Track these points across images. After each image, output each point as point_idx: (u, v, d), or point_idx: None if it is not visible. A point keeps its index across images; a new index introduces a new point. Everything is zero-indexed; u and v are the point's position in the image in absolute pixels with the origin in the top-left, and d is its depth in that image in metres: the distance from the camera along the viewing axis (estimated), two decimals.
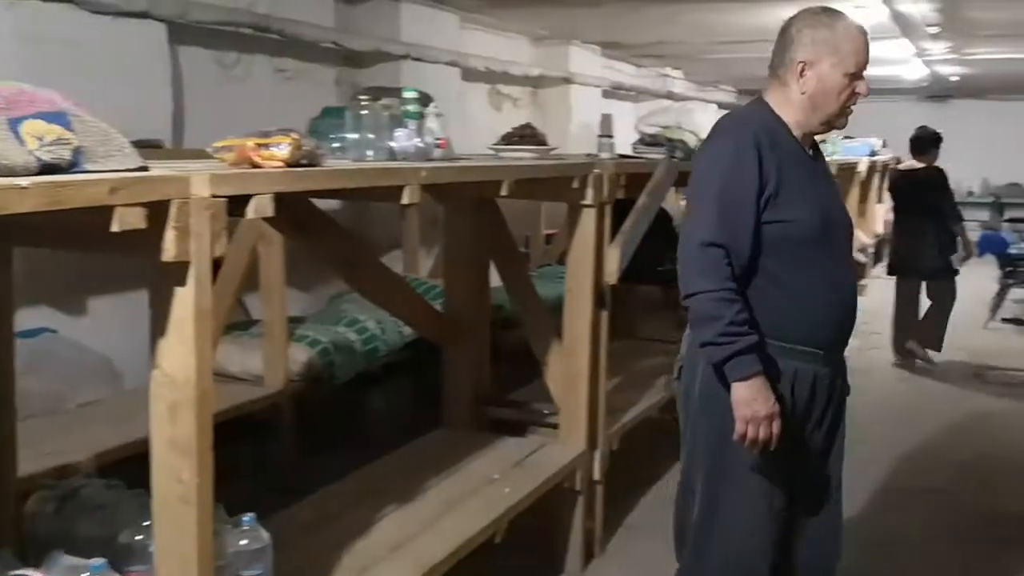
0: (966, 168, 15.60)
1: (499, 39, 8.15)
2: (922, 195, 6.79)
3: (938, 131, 7.15)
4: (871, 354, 7.29)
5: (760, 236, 2.28)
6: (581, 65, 9.02)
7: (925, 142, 7.11)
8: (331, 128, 2.62)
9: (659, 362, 4.77)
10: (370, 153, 2.56)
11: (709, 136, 2.48)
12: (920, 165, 7.01)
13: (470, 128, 6.37)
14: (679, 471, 2.62)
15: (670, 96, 11.69)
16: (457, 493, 3.06)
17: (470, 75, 7.43)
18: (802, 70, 2.36)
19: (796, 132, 2.41)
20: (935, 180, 6.81)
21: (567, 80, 8.82)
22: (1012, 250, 8.70)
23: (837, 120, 2.46)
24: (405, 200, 2.40)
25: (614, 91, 10.14)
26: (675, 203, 9.08)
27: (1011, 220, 13.77)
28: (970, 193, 15.91)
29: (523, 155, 3.38)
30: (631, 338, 5.23)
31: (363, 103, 2.62)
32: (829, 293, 2.38)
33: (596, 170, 3.42)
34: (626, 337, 5.12)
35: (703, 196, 2.32)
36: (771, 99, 2.45)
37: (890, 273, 7.31)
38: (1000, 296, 8.53)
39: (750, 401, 2.22)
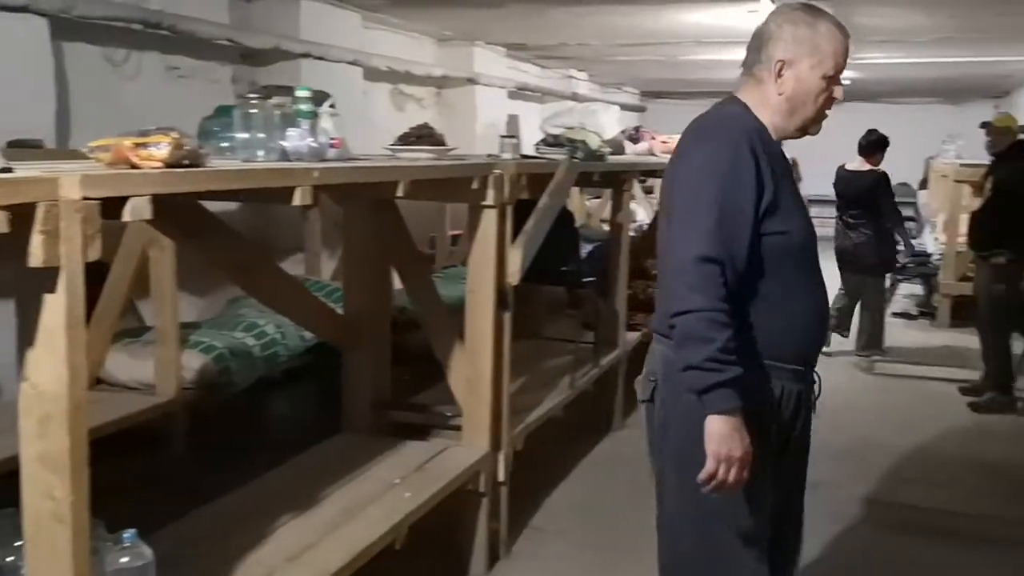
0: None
1: (402, 39, 8.10)
2: (868, 195, 7.15)
3: (885, 135, 7.60)
4: None
5: (755, 249, 2.11)
6: (486, 66, 9.03)
7: (874, 145, 7.49)
8: (221, 127, 2.53)
9: (564, 362, 4.80)
10: (261, 153, 2.48)
11: (691, 140, 2.26)
12: (866, 167, 7.35)
13: (373, 129, 6.30)
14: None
15: (575, 97, 11.81)
16: (357, 500, 3.00)
17: (373, 75, 7.35)
18: (780, 69, 2.19)
19: (774, 136, 2.25)
20: (880, 181, 7.17)
21: (472, 81, 8.81)
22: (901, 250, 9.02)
23: (812, 126, 2.28)
24: (297, 201, 2.34)
25: (520, 92, 10.18)
26: (580, 205, 9.18)
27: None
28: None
29: (420, 155, 3.34)
30: (535, 338, 5.24)
31: (252, 102, 2.54)
32: (813, 307, 2.27)
33: (496, 170, 3.41)
34: (530, 337, 5.14)
35: (695, 206, 2.08)
36: (747, 99, 2.27)
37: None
38: (890, 291, 8.86)
39: (727, 438, 2.01)
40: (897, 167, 14.48)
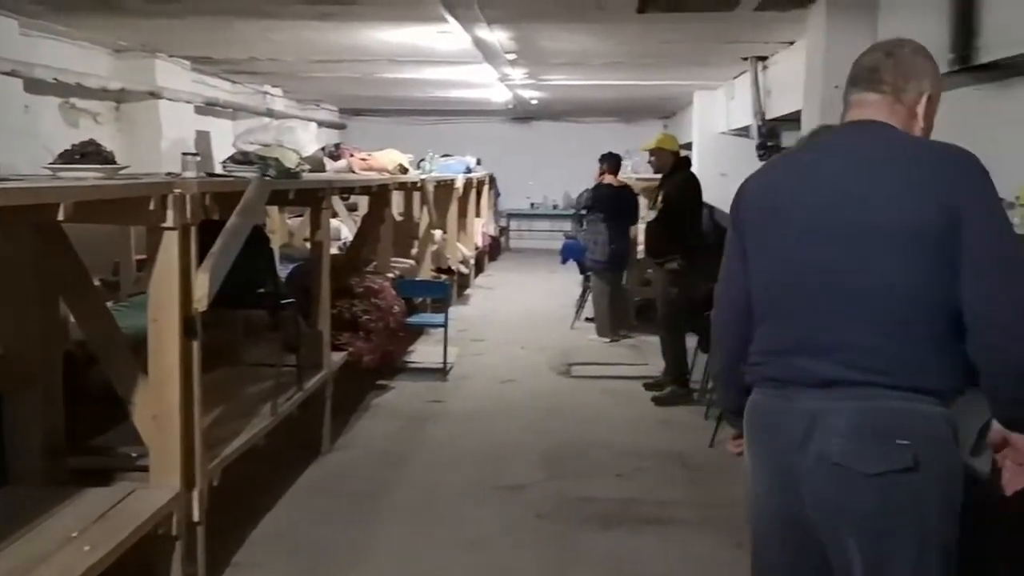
0: (552, 184, 17.26)
1: (71, 48, 7.42)
2: (618, 205, 8.45)
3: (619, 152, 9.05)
4: (474, 360, 7.70)
5: None
6: (169, 79, 8.51)
7: (618, 161, 8.84)
8: None
9: (265, 387, 4.61)
10: None
11: (980, 171, 1.93)
12: (616, 181, 8.70)
13: (41, 146, 5.70)
14: None
15: (270, 114, 11.48)
16: (25, 559, 2.67)
17: (37, 87, 6.67)
18: (927, 103, 2.05)
19: None
20: (628, 192, 8.63)
21: (154, 95, 8.26)
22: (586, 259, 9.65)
23: None
24: None
25: (209, 108, 9.72)
26: (280, 223, 8.89)
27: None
28: (555, 207, 17.60)
29: (85, 174, 3.05)
30: (234, 365, 5.00)
31: None
32: None
33: (177, 190, 3.19)
34: (228, 364, 4.89)
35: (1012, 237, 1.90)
36: (901, 127, 2.04)
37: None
38: (582, 298, 9.45)
39: None
40: (580, 181, 15.54)
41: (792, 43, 7.68)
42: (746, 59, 9.08)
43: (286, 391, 4.64)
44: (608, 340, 8.49)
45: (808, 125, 6.47)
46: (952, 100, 5.47)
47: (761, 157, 9.41)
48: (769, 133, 9.15)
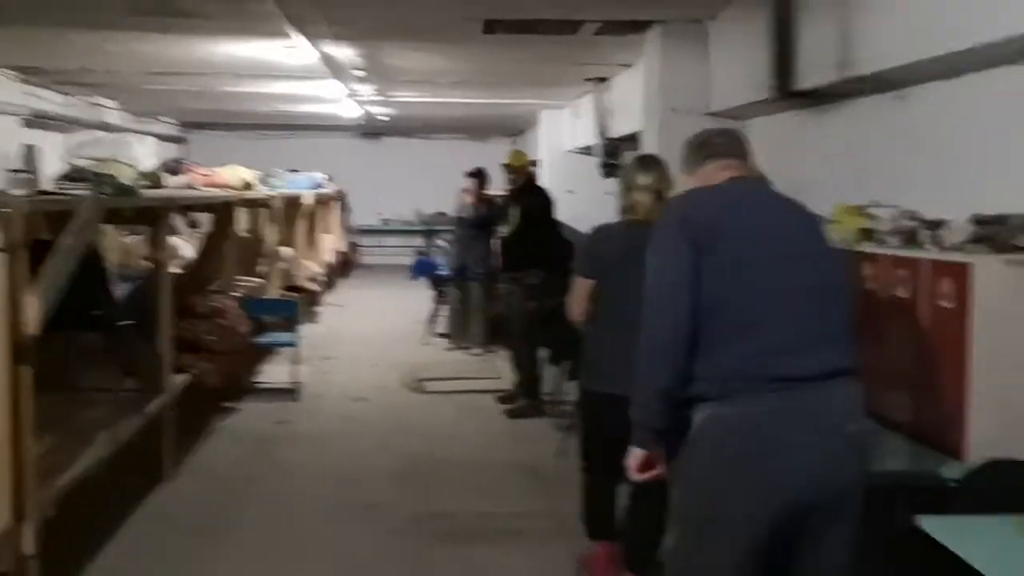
0: (403, 200, 17.23)
1: None
2: (495, 217, 8.32)
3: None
4: (325, 378, 7.61)
5: None
6: None
7: (487, 176, 8.76)
8: None
9: (102, 413, 4.41)
10: None
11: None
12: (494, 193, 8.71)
13: None
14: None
15: (105, 127, 10.99)
16: None
17: None
18: None
19: None
20: (498, 206, 8.29)
21: None
22: (440, 272, 9.73)
23: None
24: None
25: (39, 120, 9.22)
26: (116, 242, 8.51)
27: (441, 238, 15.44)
28: (407, 223, 17.58)
29: None
30: (68, 390, 4.75)
31: None
32: None
33: (5, 209, 3.03)
34: (62, 390, 4.65)
35: None
36: None
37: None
38: (434, 313, 9.49)
39: None
40: (430, 198, 15.61)
41: (631, 66, 8.02)
42: (589, 80, 9.42)
43: (124, 416, 4.46)
44: (482, 352, 8.58)
45: (647, 145, 6.78)
46: (774, 124, 5.89)
47: (604, 175, 9.77)
48: (611, 152, 9.51)
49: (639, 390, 2.37)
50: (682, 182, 2.71)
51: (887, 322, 3.46)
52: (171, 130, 15.14)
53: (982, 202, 3.38)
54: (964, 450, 2.96)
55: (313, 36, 6.72)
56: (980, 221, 3.27)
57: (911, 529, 2.35)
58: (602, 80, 9.34)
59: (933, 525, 2.13)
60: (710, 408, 2.28)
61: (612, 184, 10.15)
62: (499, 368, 7.65)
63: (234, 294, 7.06)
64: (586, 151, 10.66)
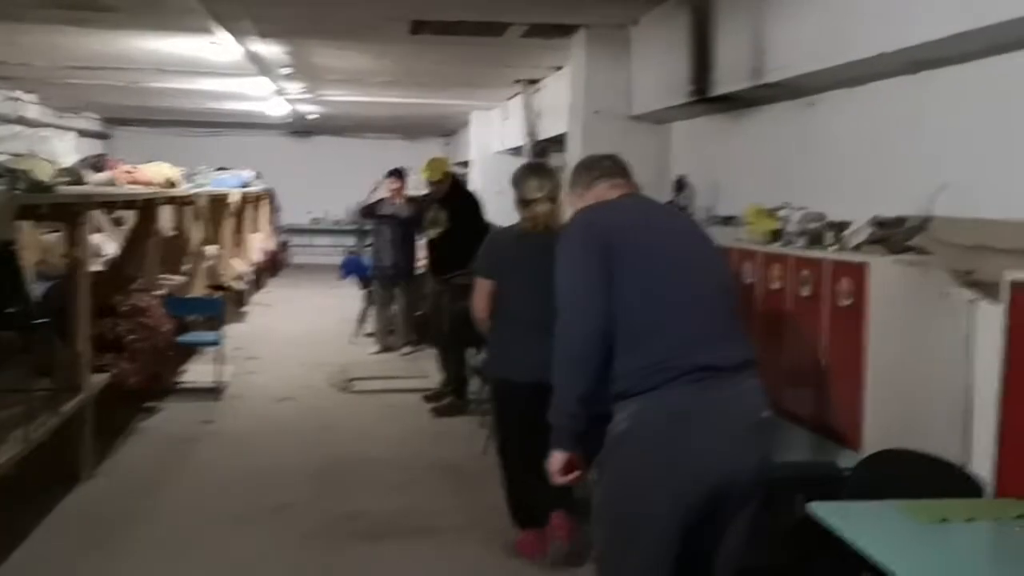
0: (333, 199, 17.09)
1: None
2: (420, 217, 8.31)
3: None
4: (249, 379, 7.54)
5: None
6: None
7: (407, 175, 8.85)
8: None
9: (14, 413, 4.32)
10: None
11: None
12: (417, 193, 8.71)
13: None
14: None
15: (22, 121, 10.70)
16: None
17: None
18: None
19: None
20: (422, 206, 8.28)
21: None
22: (370, 272, 9.69)
23: None
24: None
25: None
26: (34, 240, 8.30)
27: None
28: (337, 222, 17.45)
29: None
30: None
31: None
32: None
33: None
34: None
35: None
36: None
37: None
38: (363, 313, 9.47)
39: None
40: (361, 197, 15.43)
41: (560, 68, 8.12)
42: (518, 82, 9.50)
43: (38, 416, 4.38)
44: (410, 351, 8.59)
45: (572, 146, 6.89)
46: (693, 128, 6.05)
47: None
48: (540, 153, 9.61)
49: (558, 395, 2.45)
50: (574, 200, 2.83)
51: (792, 320, 3.61)
52: (94, 126, 14.80)
53: (883, 205, 3.55)
54: (860, 441, 3.11)
55: (238, 33, 6.66)
56: (879, 223, 3.43)
57: (807, 516, 2.46)
58: (532, 82, 9.43)
59: (822, 510, 2.24)
60: (636, 403, 2.37)
61: None
62: (426, 368, 7.68)
63: (157, 292, 6.97)
64: (516, 152, 10.75)
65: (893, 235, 3.27)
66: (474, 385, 6.62)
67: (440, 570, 3.97)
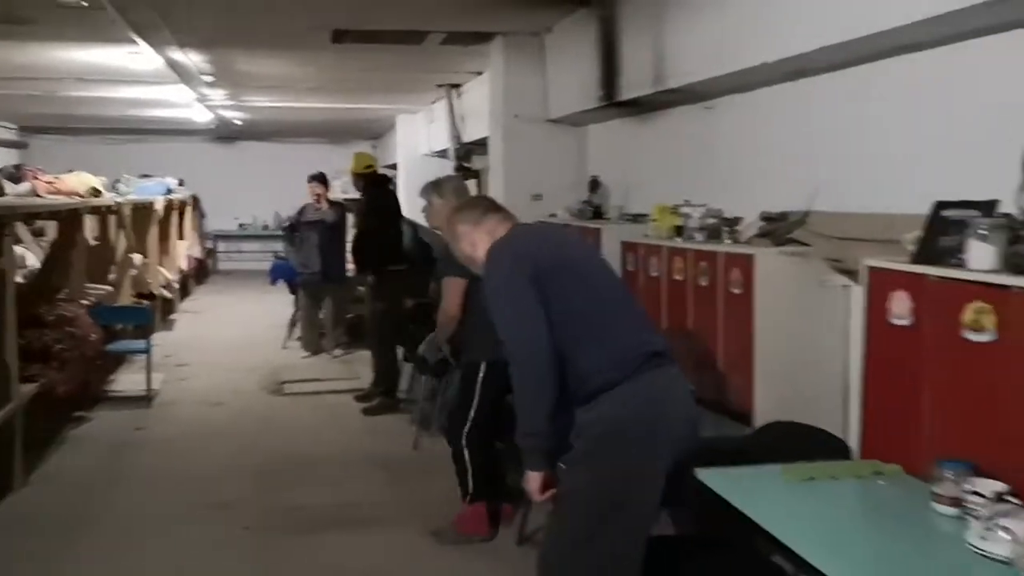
0: (261, 204, 17.04)
1: None
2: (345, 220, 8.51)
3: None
4: (180, 385, 7.60)
5: None
6: None
7: (328, 180, 8.94)
8: None
9: None
10: None
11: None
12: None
13: None
14: None
15: None
16: None
17: None
18: None
19: None
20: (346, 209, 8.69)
21: None
22: (298, 277, 9.76)
23: None
24: None
25: None
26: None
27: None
28: (265, 227, 17.40)
29: None
30: None
31: None
32: None
33: None
34: None
35: None
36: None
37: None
38: (294, 317, 9.54)
39: None
40: (289, 202, 15.47)
41: (481, 73, 8.35)
42: (441, 87, 9.70)
43: None
44: (342, 353, 8.72)
45: (494, 149, 7.13)
46: (606, 130, 6.34)
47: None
48: (465, 155, 9.83)
49: (525, 420, 2.61)
50: (466, 232, 2.95)
51: (694, 309, 3.90)
52: (10, 135, 14.52)
53: (772, 201, 3.86)
54: (753, 417, 3.41)
55: (158, 43, 6.73)
56: (766, 218, 3.74)
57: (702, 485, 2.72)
58: (455, 86, 9.64)
59: (706, 476, 2.51)
60: (612, 396, 2.57)
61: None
62: (358, 369, 7.83)
63: (84, 302, 6.99)
64: (442, 155, 10.94)
65: (777, 229, 3.58)
66: (404, 383, 6.80)
67: (377, 558, 4.15)
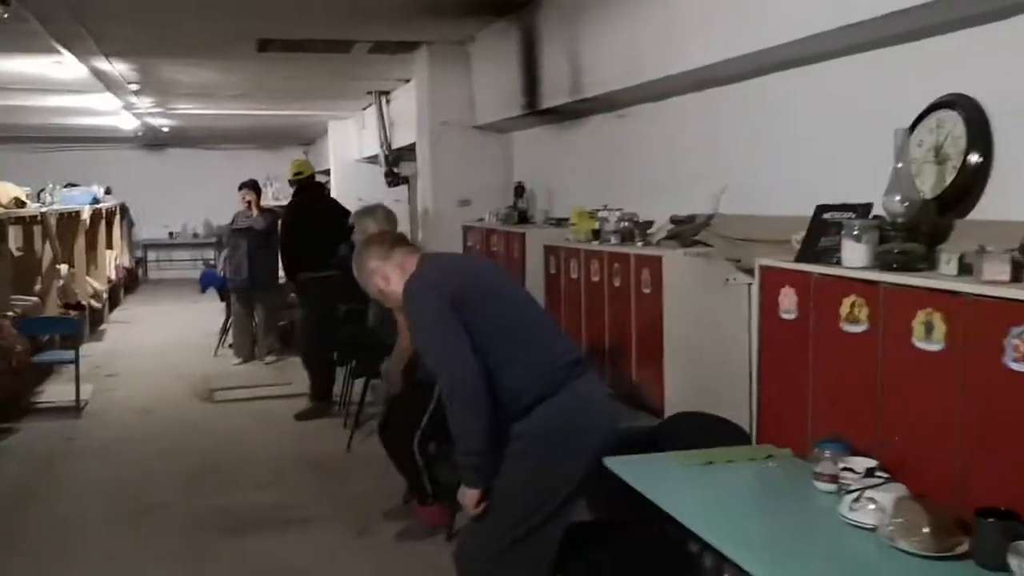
0: (192, 212, 16.87)
1: None
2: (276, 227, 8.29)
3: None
4: (110, 395, 7.56)
5: None
6: None
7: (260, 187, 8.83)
8: None
9: None
10: None
11: None
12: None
13: None
14: None
15: None
16: None
17: None
18: None
19: None
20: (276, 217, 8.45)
21: None
22: (229, 284, 9.73)
23: None
24: None
25: None
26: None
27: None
28: (195, 235, 17.23)
29: None
30: None
31: None
32: None
33: None
34: None
35: None
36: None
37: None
38: (225, 325, 9.52)
39: None
40: (220, 209, 15.40)
41: (409, 80, 8.47)
42: (370, 93, 9.80)
43: None
44: (274, 359, 8.74)
45: (422, 154, 7.26)
46: (530, 137, 6.53)
47: (389, 184, 10.18)
48: (394, 161, 9.94)
49: (463, 441, 2.72)
50: (377, 267, 3.02)
51: (610, 309, 4.09)
52: None
53: (682, 205, 4.07)
54: (664, 409, 3.61)
55: (81, 53, 6.71)
56: (675, 221, 3.95)
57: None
58: (384, 93, 9.74)
59: (614, 464, 2.69)
60: (542, 409, 2.73)
61: (398, 192, 10.59)
62: (290, 375, 7.87)
63: (9, 314, 6.93)
64: (373, 160, 11.03)
65: (685, 231, 3.79)
66: (338, 387, 6.87)
67: (309, 556, 4.25)
